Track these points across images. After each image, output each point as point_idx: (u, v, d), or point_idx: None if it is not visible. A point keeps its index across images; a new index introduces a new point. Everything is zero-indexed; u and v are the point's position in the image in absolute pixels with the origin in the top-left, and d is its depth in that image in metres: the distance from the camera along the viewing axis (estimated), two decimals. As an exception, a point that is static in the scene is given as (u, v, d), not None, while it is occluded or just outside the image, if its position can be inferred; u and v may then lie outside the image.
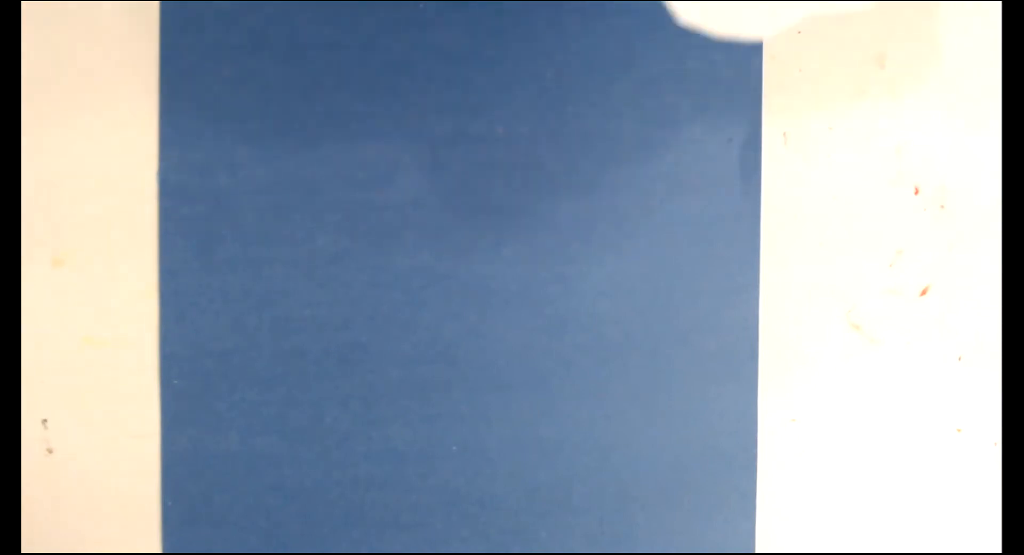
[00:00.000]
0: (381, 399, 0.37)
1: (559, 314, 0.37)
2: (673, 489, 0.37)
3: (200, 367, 0.36)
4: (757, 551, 0.38)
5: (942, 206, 0.38)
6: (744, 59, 0.37)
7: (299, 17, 0.36)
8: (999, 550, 0.38)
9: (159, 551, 0.37)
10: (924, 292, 0.38)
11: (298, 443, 0.37)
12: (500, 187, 0.36)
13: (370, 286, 0.36)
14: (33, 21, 0.35)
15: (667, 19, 0.36)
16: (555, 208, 0.36)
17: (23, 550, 0.35)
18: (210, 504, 0.36)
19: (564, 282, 0.37)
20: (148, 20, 0.36)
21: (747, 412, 0.37)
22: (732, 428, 0.37)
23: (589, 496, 0.37)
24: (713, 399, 0.37)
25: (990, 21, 0.37)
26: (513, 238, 0.36)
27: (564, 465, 0.37)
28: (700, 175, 0.37)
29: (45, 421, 0.36)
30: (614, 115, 0.36)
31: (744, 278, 0.37)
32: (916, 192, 0.38)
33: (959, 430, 0.38)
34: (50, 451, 0.36)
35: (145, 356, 0.36)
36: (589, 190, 0.37)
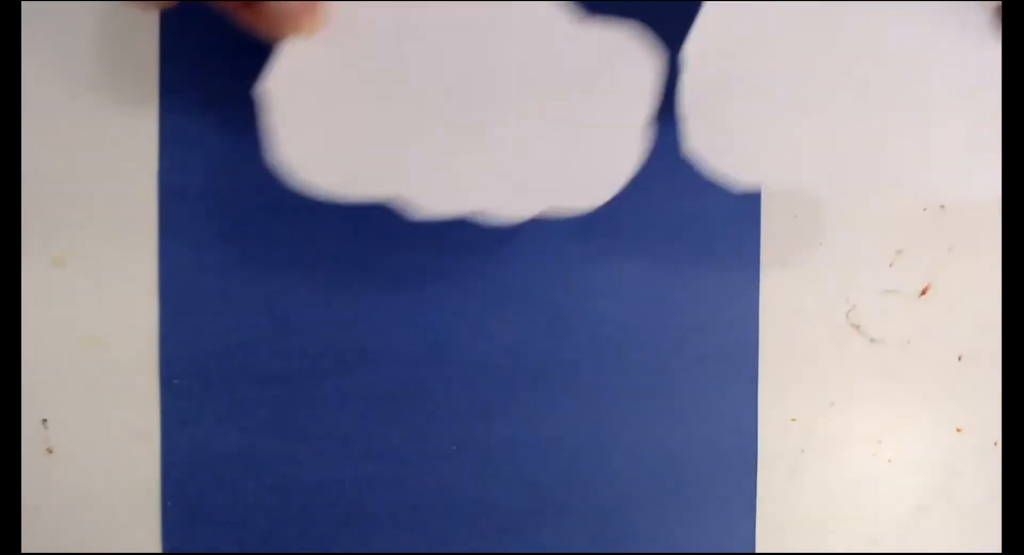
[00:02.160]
0: (380, 399, 0.37)
1: (559, 314, 0.37)
2: (673, 489, 0.37)
3: (200, 367, 0.36)
4: (757, 551, 0.38)
5: (942, 206, 0.38)
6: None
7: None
8: (999, 550, 0.38)
9: (159, 551, 0.37)
10: (924, 292, 0.38)
11: (298, 443, 0.37)
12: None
13: (370, 285, 0.36)
14: (33, 21, 0.35)
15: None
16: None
17: (23, 550, 0.35)
18: (210, 504, 0.36)
19: (564, 282, 0.37)
20: (148, 19, 0.36)
21: (747, 412, 0.37)
22: (732, 428, 0.37)
23: (589, 496, 0.37)
24: (713, 399, 0.37)
25: (991, 19, 0.37)
26: (512, 238, 0.36)
27: (564, 465, 0.37)
28: (700, 175, 0.36)
29: (45, 421, 0.36)
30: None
31: (744, 278, 0.37)
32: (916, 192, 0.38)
33: (959, 430, 0.38)
34: (50, 451, 0.36)
35: (145, 356, 0.36)
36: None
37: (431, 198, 0.30)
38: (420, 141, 0.30)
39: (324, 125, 0.29)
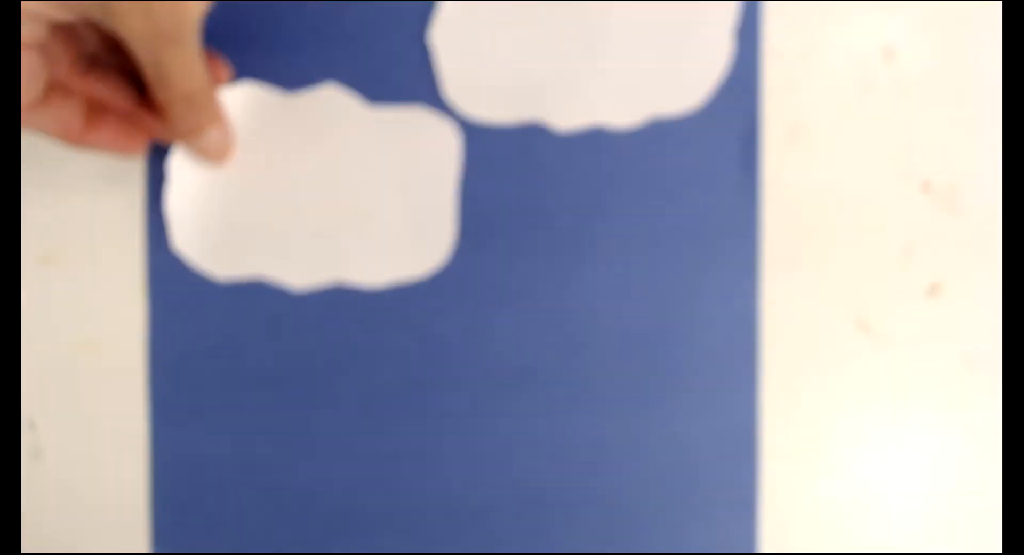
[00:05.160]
0: (376, 400, 0.36)
1: (558, 314, 0.36)
2: (675, 490, 0.37)
3: (190, 368, 0.36)
4: (760, 551, 0.38)
5: (952, 203, 0.37)
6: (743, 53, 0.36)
7: (289, 11, 0.35)
8: (999, 550, 0.38)
9: (149, 552, 0.36)
10: (934, 292, 0.37)
11: (291, 445, 0.36)
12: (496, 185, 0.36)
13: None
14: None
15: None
16: (554, 206, 0.36)
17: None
18: (200, 506, 0.36)
19: (563, 282, 0.36)
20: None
21: (747, 413, 0.37)
22: (733, 429, 0.37)
23: (588, 498, 0.37)
24: (713, 399, 0.37)
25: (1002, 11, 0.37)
26: (511, 237, 0.36)
27: (562, 466, 0.37)
28: (699, 171, 0.36)
29: (33, 423, 0.36)
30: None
31: (743, 276, 0.37)
32: (925, 189, 0.37)
33: (965, 430, 0.38)
34: (38, 453, 0.36)
35: (134, 357, 0.36)
36: (588, 186, 0.36)
37: (565, 114, 0.34)
38: (552, 60, 0.34)
39: (478, 64, 0.35)
